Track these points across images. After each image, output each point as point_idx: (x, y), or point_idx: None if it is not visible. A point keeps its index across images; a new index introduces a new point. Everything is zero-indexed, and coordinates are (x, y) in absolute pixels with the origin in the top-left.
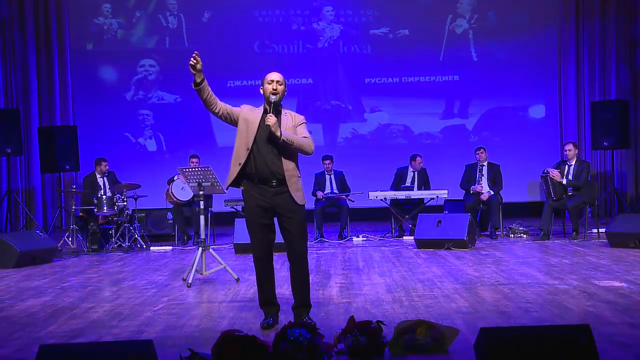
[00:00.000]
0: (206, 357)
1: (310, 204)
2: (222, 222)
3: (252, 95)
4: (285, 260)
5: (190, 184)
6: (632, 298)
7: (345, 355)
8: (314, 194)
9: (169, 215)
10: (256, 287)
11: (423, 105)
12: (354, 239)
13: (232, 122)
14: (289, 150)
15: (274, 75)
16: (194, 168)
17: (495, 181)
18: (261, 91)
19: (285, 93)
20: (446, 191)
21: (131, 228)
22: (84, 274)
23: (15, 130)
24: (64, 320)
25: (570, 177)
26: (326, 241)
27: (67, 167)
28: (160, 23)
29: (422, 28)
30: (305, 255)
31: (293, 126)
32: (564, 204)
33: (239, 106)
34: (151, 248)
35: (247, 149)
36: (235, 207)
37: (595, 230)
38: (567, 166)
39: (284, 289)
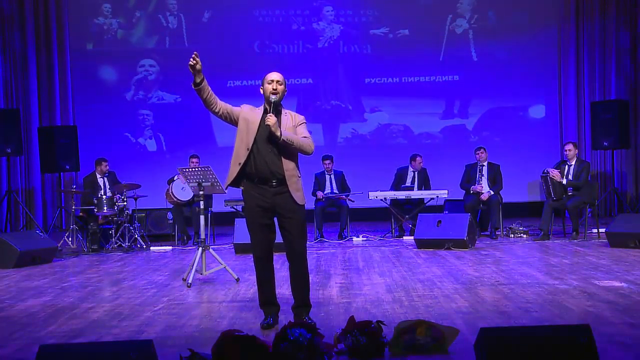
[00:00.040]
0: (206, 357)
1: (310, 204)
2: (222, 222)
3: (252, 95)
4: (285, 260)
5: (190, 184)
6: (632, 298)
7: (345, 355)
8: (314, 194)
9: (169, 215)
10: (256, 287)
11: (423, 105)
12: (354, 239)
13: (232, 121)
14: (289, 150)
15: (274, 75)
16: (194, 168)
17: (495, 181)
18: (261, 91)
19: (286, 93)
20: (446, 191)
21: (131, 228)
22: (84, 274)
23: (15, 130)
24: (64, 320)
25: (570, 177)
26: (326, 241)
27: (67, 167)
28: (160, 23)
29: (422, 28)
30: (305, 255)
31: (293, 126)
32: (564, 204)
33: (239, 106)
34: (151, 248)
35: (247, 148)
36: (235, 207)
37: (595, 230)
38: (567, 166)
39: (284, 289)
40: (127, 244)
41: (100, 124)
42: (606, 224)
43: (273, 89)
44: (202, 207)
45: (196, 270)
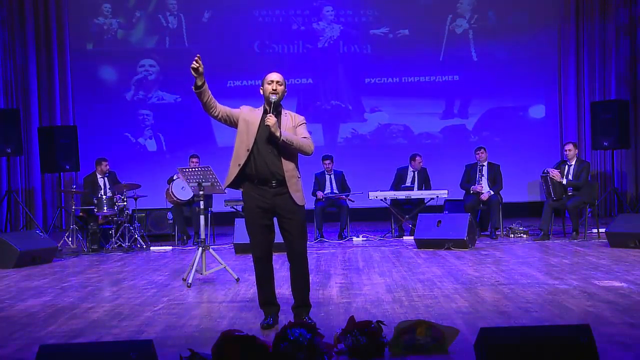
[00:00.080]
0: (206, 357)
1: (310, 204)
2: (222, 222)
3: (252, 95)
4: (285, 260)
5: (190, 184)
6: (632, 298)
7: (345, 355)
8: (314, 194)
9: (169, 215)
10: (256, 287)
11: (423, 105)
12: (354, 239)
13: (232, 124)
14: (288, 151)
15: (274, 76)
16: (194, 168)
17: (495, 181)
18: (261, 91)
19: (285, 93)
20: (446, 191)
21: (131, 228)
22: (84, 274)
23: (15, 130)
24: (64, 320)
25: (570, 177)
26: (326, 241)
27: (67, 167)
28: (160, 23)
29: (422, 28)
30: (305, 255)
31: (293, 127)
32: (564, 204)
33: (239, 107)
34: (151, 248)
35: (247, 149)
36: (235, 207)
37: (595, 230)
38: (567, 166)
39: (284, 289)
40: (127, 244)
41: (100, 124)
42: (606, 224)
43: (273, 90)
44: (202, 207)
45: (196, 270)
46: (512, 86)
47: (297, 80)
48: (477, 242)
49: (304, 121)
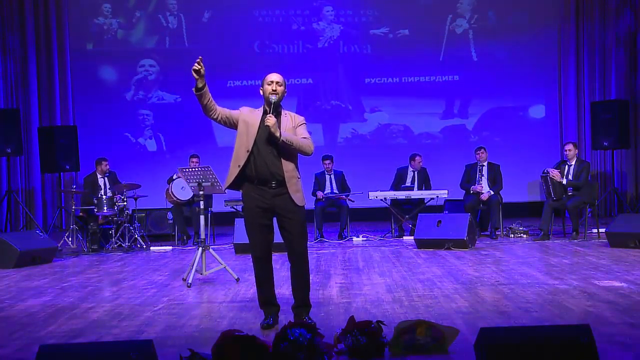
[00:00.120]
0: (206, 357)
1: (310, 204)
2: (222, 222)
3: (252, 95)
4: (285, 260)
5: (190, 184)
6: (632, 298)
7: (345, 355)
8: (314, 194)
9: (169, 215)
10: (256, 288)
11: (423, 105)
12: (354, 239)
13: (232, 125)
14: (288, 151)
15: (274, 76)
16: (194, 168)
17: (495, 181)
18: (261, 92)
19: (285, 94)
20: (446, 191)
21: (131, 228)
22: (84, 274)
23: (15, 130)
24: (64, 320)
25: (570, 177)
26: (326, 241)
27: (67, 167)
28: (160, 23)
29: (422, 28)
30: (306, 255)
31: (293, 127)
32: (564, 204)
33: (238, 109)
34: (151, 248)
35: (247, 150)
36: (235, 207)
37: (595, 230)
38: (567, 166)
39: (284, 289)
40: (127, 244)
41: (100, 124)
42: (606, 224)
43: (272, 90)
44: (202, 207)
45: (196, 270)
46: (512, 86)
47: (297, 80)
48: (477, 242)
49: (304, 121)
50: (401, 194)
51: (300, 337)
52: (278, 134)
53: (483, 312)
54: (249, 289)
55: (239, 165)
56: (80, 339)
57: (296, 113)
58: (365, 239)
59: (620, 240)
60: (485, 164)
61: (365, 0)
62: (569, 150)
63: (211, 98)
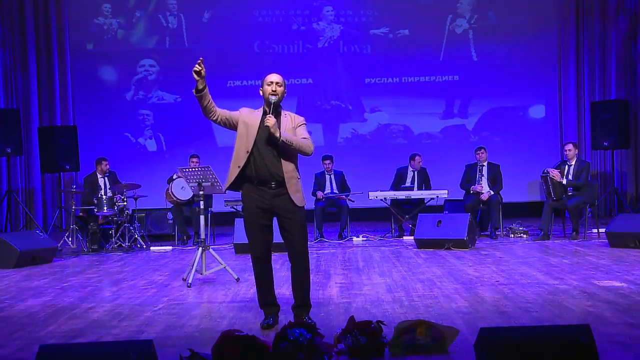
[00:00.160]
0: (206, 357)
1: (310, 204)
2: (222, 222)
3: (252, 95)
4: (285, 260)
5: (190, 184)
6: (632, 298)
7: (345, 355)
8: (314, 194)
9: (169, 215)
10: (255, 288)
11: (423, 105)
12: (354, 239)
13: (232, 127)
14: (288, 152)
15: (274, 77)
16: (194, 168)
17: (495, 181)
18: (261, 92)
19: (285, 94)
20: (446, 191)
21: (131, 228)
22: (84, 274)
23: (15, 130)
24: (64, 320)
25: (570, 177)
26: (326, 241)
27: (67, 167)
28: (160, 23)
29: (422, 28)
30: (306, 255)
31: (292, 127)
32: (564, 204)
33: (238, 109)
34: (151, 248)
35: (247, 151)
36: (235, 207)
37: (595, 230)
38: (567, 166)
39: (284, 289)
40: (127, 244)
41: (100, 124)
42: (606, 224)
43: (272, 91)
44: (202, 207)
45: (196, 270)
46: (512, 86)
47: (297, 80)
48: (477, 242)
49: (304, 122)
50: (401, 194)
51: (300, 337)
52: (278, 135)
53: (483, 312)
54: (249, 289)
55: (238, 166)
56: (80, 339)
57: (296, 113)
58: (365, 239)
59: (620, 240)
60: (485, 164)
61: (365, 0)
62: (569, 150)
63: (211, 100)
